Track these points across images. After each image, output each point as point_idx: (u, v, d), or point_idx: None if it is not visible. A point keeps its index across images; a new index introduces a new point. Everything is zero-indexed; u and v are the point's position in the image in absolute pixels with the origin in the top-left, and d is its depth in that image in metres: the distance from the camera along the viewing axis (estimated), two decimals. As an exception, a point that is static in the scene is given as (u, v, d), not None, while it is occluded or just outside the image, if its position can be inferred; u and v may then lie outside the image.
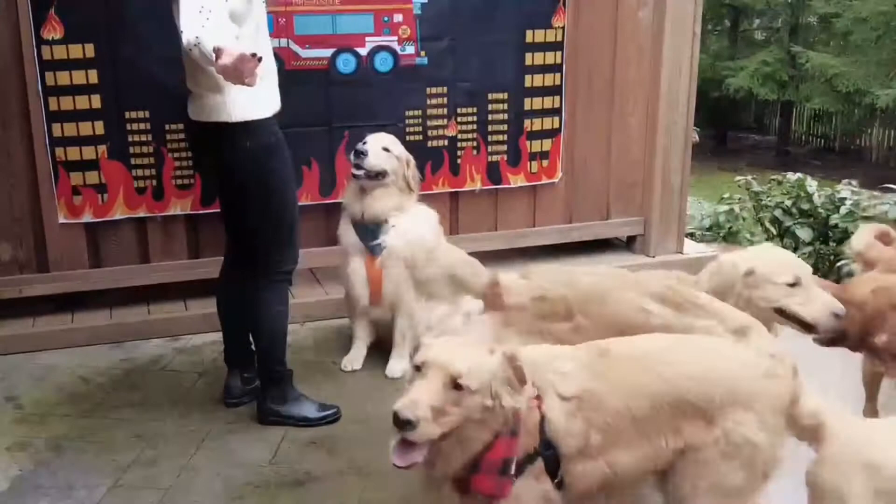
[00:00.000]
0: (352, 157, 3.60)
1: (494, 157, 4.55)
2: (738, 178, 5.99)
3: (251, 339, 3.39)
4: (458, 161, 4.50)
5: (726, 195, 6.04)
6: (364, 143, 3.60)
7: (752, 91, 14.46)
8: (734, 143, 17.07)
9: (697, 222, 6.00)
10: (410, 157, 3.74)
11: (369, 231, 3.64)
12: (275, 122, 3.07)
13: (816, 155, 15.52)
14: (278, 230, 3.14)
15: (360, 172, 3.56)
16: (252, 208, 3.11)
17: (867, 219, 4.84)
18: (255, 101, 2.97)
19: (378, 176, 3.60)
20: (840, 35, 13.95)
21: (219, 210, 4.04)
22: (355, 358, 3.84)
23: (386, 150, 3.63)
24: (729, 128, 17.18)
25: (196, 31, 2.64)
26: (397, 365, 3.75)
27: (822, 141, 16.13)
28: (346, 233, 3.73)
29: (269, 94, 3.05)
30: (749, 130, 18.03)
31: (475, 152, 4.52)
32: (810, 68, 13.59)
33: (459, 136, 4.47)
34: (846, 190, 5.32)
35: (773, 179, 5.78)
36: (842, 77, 13.08)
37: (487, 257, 4.79)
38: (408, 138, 4.25)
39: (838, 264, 4.73)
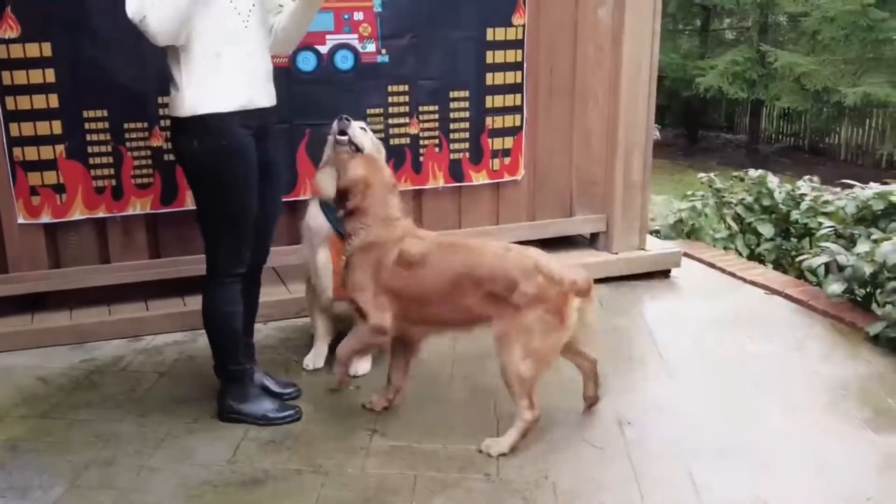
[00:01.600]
0: (335, 125, 3.57)
1: (457, 155, 4.57)
2: (701, 174, 6.04)
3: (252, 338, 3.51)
4: (421, 159, 4.51)
5: (689, 192, 6.09)
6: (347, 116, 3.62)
7: (723, 90, 14.58)
8: (705, 142, 17.20)
9: (662, 220, 6.05)
10: (381, 146, 3.77)
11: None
12: (237, 121, 3.00)
13: (786, 153, 15.68)
14: (226, 233, 3.13)
15: (344, 138, 3.56)
16: (200, 208, 3.14)
17: (826, 214, 4.91)
18: (208, 97, 2.95)
19: (357, 151, 3.58)
20: (809, 34, 14.11)
21: (178, 209, 4.09)
22: (317, 356, 3.84)
23: (363, 129, 3.66)
24: (700, 127, 17.32)
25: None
26: (359, 362, 3.75)
27: (792, 139, 16.30)
28: (315, 217, 3.70)
29: (229, 90, 2.98)
30: (720, 129, 18.18)
31: (437, 150, 4.53)
32: (779, 67, 13.73)
33: (421, 135, 4.48)
34: (806, 186, 5.38)
35: (735, 176, 5.84)
36: (810, 76, 13.24)
37: (451, 255, 4.84)
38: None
39: (799, 259, 4.78)
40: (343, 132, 3.56)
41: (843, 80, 13.08)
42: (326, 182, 3.56)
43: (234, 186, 3.06)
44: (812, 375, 3.77)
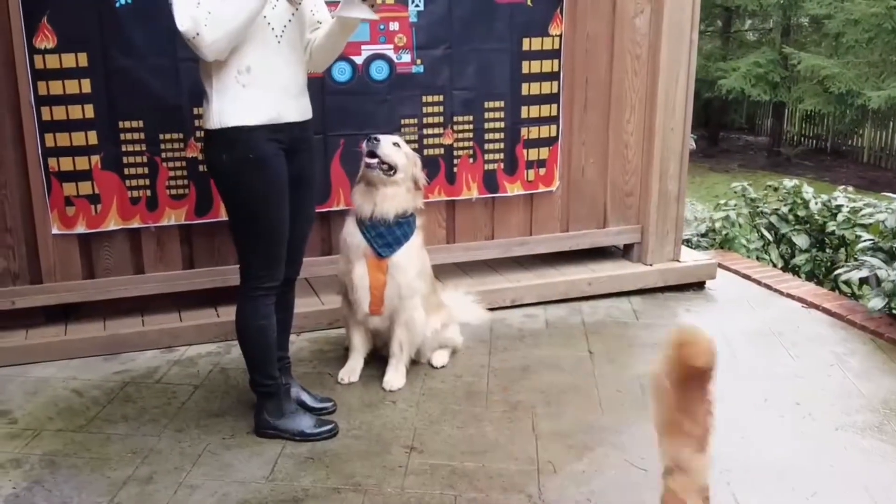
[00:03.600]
0: (364, 146, 3.53)
1: (491, 166, 4.53)
2: (735, 184, 5.98)
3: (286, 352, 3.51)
4: (455, 169, 4.47)
5: (722, 201, 6.03)
6: (376, 135, 3.57)
7: (745, 92, 14.48)
8: (726, 143, 17.11)
9: (694, 228, 5.99)
10: (417, 157, 3.72)
11: (377, 232, 3.59)
12: (264, 134, 2.99)
13: (808, 155, 15.57)
14: (257, 247, 3.11)
15: (374, 160, 3.50)
16: (232, 221, 3.16)
17: (864, 226, 4.84)
18: (236, 110, 2.95)
19: (390, 170, 3.54)
20: (832, 36, 13.99)
21: (212, 220, 4.07)
22: (352, 370, 3.81)
23: (396, 145, 3.60)
24: (721, 128, 17.22)
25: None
26: (394, 377, 3.72)
27: (814, 142, 16.19)
28: (353, 234, 3.66)
29: (258, 104, 2.97)
30: (741, 131, 18.10)
31: (472, 161, 4.49)
32: (802, 69, 13.62)
33: (456, 145, 4.44)
34: (842, 197, 5.30)
35: (770, 186, 5.77)
36: (833, 78, 13.12)
37: (483, 267, 4.81)
38: (405, 146, 4.24)
39: (837, 272, 4.72)
40: (372, 153, 3.51)
41: (867, 82, 12.96)
42: (362, 199, 3.55)
43: (261, 200, 3.05)
44: (854, 394, 3.71)
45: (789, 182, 5.53)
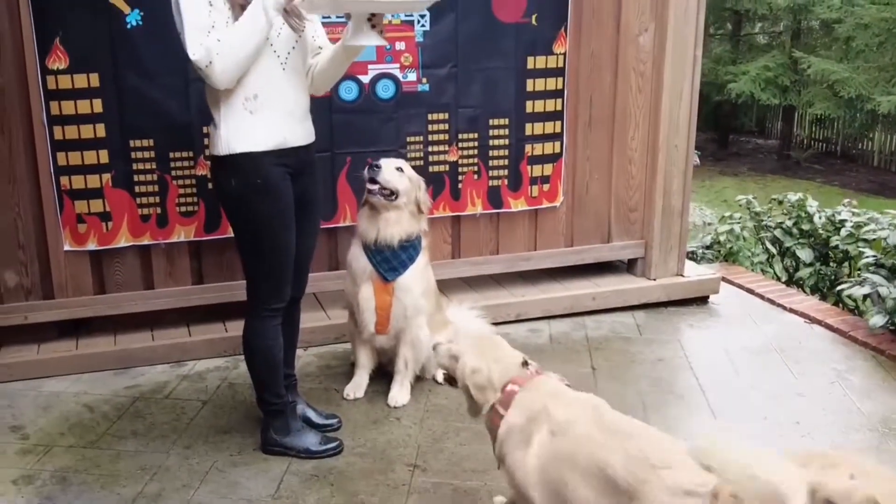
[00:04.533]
0: (366, 173, 3.57)
1: (495, 182, 4.58)
2: (740, 196, 6.00)
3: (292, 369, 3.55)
4: (459, 186, 4.52)
5: (727, 213, 6.06)
6: (377, 162, 3.60)
7: (754, 96, 14.47)
8: (736, 146, 17.08)
9: (699, 240, 6.02)
10: (422, 180, 3.75)
11: (382, 256, 3.64)
12: (271, 159, 3.04)
13: (818, 159, 15.54)
14: (264, 269, 3.16)
15: (375, 186, 3.55)
16: (239, 244, 3.20)
17: (867, 242, 4.86)
18: (244, 136, 3.01)
19: (392, 195, 3.58)
20: (842, 40, 13.95)
21: (221, 236, 4.14)
22: (358, 386, 3.87)
23: (399, 170, 3.64)
24: (731, 131, 17.19)
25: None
26: (399, 394, 3.78)
27: (824, 145, 16.14)
28: (358, 258, 3.71)
29: (265, 130, 3.03)
30: (751, 134, 18.06)
31: (476, 177, 4.54)
32: (812, 74, 13.59)
33: (460, 162, 4.50)
34: (846, 211, 5.33)
35: (774, 199, 5.79)
36: (844, 83, 13.08)
37: (489, 281, 4.86)
38: (409, 164, 4.28)
39: (840, 288, 4.75)
40: (373, 180, 3.56)
41: (876, 87, 12.92)
42: (366, 224, 3.60)
43: (269, 224, 3.10)
44: (853, 412, 3.74)
45: (794, 196, 5.55)
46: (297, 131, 3.15)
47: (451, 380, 2.81)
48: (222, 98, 3.00)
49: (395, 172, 3.60)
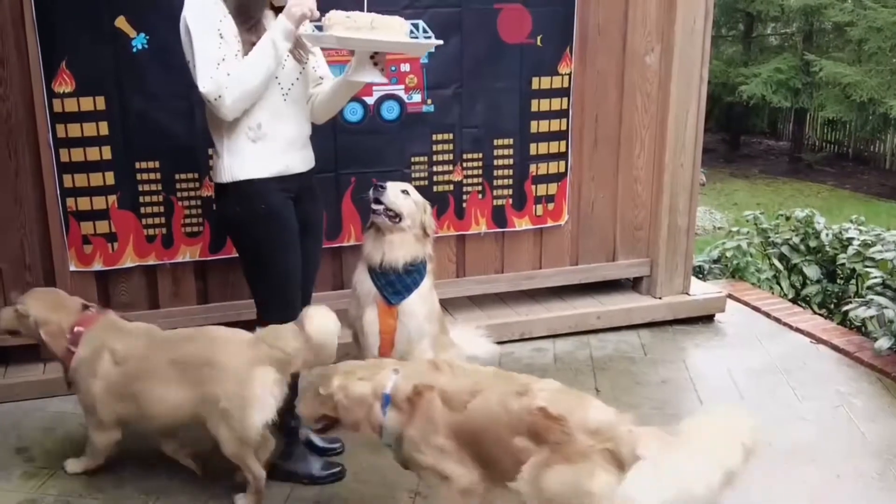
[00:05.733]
0: (371, 193, 3.56)
1: (500, 201, 4.58)
2: (747, 213, 5.98)
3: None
4: (464, 205, 4.53)
5: (734, 228, 6.04)
6: (382, 183, 3.59)
7: (765, 98, 14.40)
8: (747, 148, 17.01)
9: (705, 254, 6.00)
10: (427, 204, 3.73)
11: (387, 280, 3.63)
12: (274, 186, 3.09)
13: (830, 161, 15.46)
14: (271, 293, 3.21)
15: (380, 207, 3.53)
16: (245, 268, 3.25)
17: (874, 261, 4.83)
18: (247, 164, 3.06)
19: (396, 217, 3.57)
20: (854, 43, 13.87)
21: (226, 257, 4.15)
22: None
23: (405, 192, 3.63)
24: (742, 132, 17.12)
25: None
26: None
27: (836, 147, 16.06)
28: (363, 281, 3.70)
29: (267, 158, 3.08)
30: (762, 135, 17.97)
31: (480, 196, 4.54)
32: (824, 76, 13.52)
33: (465, 181, 4.50)
34: (853, 229, 5.30)
35: (781, 215, 5.77)
36: (856, 86, 13.01)
37: (494, 299, 4.86)
38: (413, 183, 4.25)
39: (846, 308, 4.73)
40: (378, 201, 3.55)
41: (889, 90, 12.85)
42: (371, 247, 3.59)
43: (274, 248, 3.14)
44: (857, 438, 3.73)
45: (801, 212, 5.53)
46: (298, 158, 3.20)
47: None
48: (226, 128, 3.05)
49: (399, 195, 3.59)
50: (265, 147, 3.07)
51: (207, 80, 2.88)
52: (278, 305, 3.21)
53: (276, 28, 2.95)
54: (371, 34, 2.88)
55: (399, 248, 3.58)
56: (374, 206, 3.56)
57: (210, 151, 3.90)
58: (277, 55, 2.93)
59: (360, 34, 2.87)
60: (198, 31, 2.89)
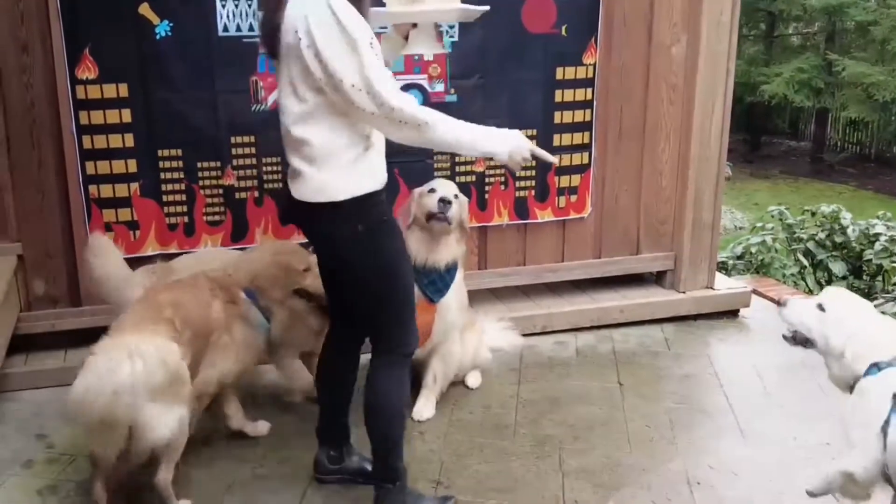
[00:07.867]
0: (436, 207, 3.54)
1: (522, 193, 4.54)
2: (772, 207, 5.91)
3: (347, 418, 3.26)
4: (486, 196, 4.50)
5: (759, 223, 5.97)
6: (442, 196, 3.55)
7: (787, 97, 14.30)
8: (768, 148, 16.91)
9: (729, 250, 5.94)
10: (466, 201, 3.75)
11: (429, 279, 3.65)
12: (383, 195, 2.84)
13: (852, 162, 15.33)
14: (396, 311, 2.91)
15: (445, 223, 3.56)
16: (367, 291, 2.86)
17: (902, 256, 4.77)
18: (365, 177, 2.76)
19: (446, 220, 3.59)
20: (878, 42, 13.74)
21: (247, 246, 4.13)
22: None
23: (456, 196, 3.64)
24: (763, 132, 17.00)
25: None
26: (425, 407, 3.78)
27: (858, 148, 15.91)
28: None
29: (378, 167, 2.83)
30: (784, 136, 17.85)
31: (503, 187, 4.51)
32: (846, 76, 13.40)
33: (487, 172, 4.47)
34: (881, 224, 5.23)
35: (807, 211, 5.70)
36: (878, 86, 12.89)
37: (516, 292, 4.82)
38: (436, 174, 4.27)
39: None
40: (444, 216, 3.55)
41: (912, 91, 12.74)
42: (418, 246, 3.58)
43: (400, 261, 2.89)
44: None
45: (827, 207, 5.46)
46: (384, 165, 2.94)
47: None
48: (338, 143, 2.71)
49: (454, 202, 3.59)
50: (374, 158, 2.81)
51: (395, 94, 2.59)
52: (404, 325, 2.93)
53: (499, 138, 2.72)
54: (426, 5, 2.88)
55: (444, 250, 3.63)
56: (440, 221, 3.57)
57: (234, 139, 3.92)
58: (468, 148, 2.76)
59: (413, 7, 2.87)
60: (363, 41, 2.57)
